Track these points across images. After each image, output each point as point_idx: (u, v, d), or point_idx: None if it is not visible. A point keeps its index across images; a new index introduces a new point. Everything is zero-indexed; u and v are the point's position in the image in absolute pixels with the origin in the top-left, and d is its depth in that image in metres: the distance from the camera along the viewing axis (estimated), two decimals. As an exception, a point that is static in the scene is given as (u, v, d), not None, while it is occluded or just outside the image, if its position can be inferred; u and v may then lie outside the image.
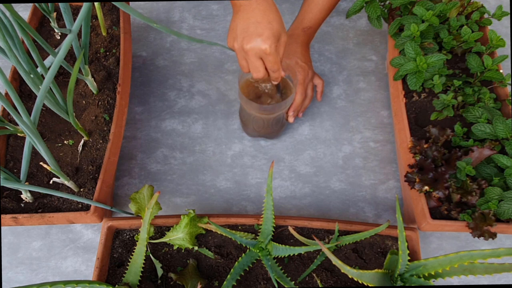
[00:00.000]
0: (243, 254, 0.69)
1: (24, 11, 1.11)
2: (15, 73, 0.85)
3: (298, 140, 0.95)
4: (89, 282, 0.60)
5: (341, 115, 0.98)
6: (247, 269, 0.69)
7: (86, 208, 0.72)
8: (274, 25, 0.68)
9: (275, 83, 0.78)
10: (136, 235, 0.73)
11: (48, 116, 0.83)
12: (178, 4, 1.13)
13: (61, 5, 0.67)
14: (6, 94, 0.79)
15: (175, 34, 0.65)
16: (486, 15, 0.89)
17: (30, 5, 0.95)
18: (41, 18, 0.95)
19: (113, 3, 0.60)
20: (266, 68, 0.73)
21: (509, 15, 0.86)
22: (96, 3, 0.86)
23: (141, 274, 0.65)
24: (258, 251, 0.68)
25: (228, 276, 0.65)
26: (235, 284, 0.66)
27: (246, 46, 0.68)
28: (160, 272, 0.70)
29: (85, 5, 0.55)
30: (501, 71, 0.82)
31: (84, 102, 0.84)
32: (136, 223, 0.73)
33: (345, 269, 0.57)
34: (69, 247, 0.83)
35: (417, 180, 0.70)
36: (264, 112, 0.82)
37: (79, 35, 0.73)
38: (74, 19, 0.94)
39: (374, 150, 0.94)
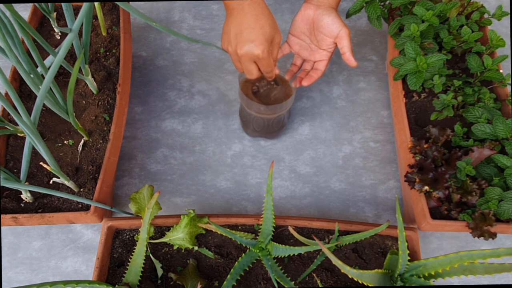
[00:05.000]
0: (243, 254, 0.69)
1: (24, 11, 1.10)
2: (15, 73, 0.85)
3: (298, 140, 0.95)
4: (89, 282, 0.60)
5: (341, 115, 0.98)
6: (247, 269, 0.69)
7: (86, 208, 0.72)
8: (267, 29, 0.69)
9: (270, 80, 0.80)
10: (136, 235, 0.73)
11: (48, 116, 0.83)
12: (178, 4, 1.13)
13: (63, 4, 0.67)
14: (6, 94, 0.79)
15: (174, 34, 0.65)
16: (486, 15, 0.89)
17: (30, 5, 0.95)
18: (41, 18, 0.95)
19: (116, 2, 0.60)
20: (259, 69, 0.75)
21: (509, 15, 0.86)
22: (96, 3, 0.86)
23: (141, 274, 0.65)
24: (258, 251, 0.68)
25: (228, 276, 0.65)
26: (235, 284, 0.66)
27: (240, 51, 0.70)
28: (160, 272, 0.70)
29: (85, 4, 0.55)
30: (501, 71, 0.82)
31: (84, 102, 0.84)
32: (136, 223, 0.73)
33: (345, 269, 0.57)
34: (69, 247, 0.83)
35: (417, 180, 0.70)
36: (264, 112, 0.82)
37: (80, 34, 0.73)
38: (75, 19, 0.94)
39: (374, 150, 0.94)
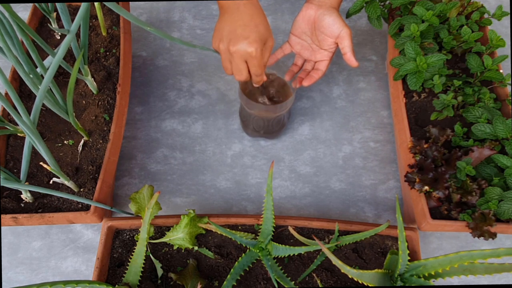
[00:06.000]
0: (243, 254, 0.69)
1: (24, 11, 1.11)
2: (15, 73, 0.85)
3: (298, 140, 0.95)
4: (89, 282, 0.60)
5: (341, 115, 0.98)
6: (247, 269, 0.69)
7: (86, 208, 0.72)
8: (261, 29, 0.69)
9: (256, 85, 0.78)
10: (136, 235, 0.73)
11: (48, 116, 0.83)
12: (178, 4, 1.13)
13: (58, 5, 0.67)
14: (6, 94, 0.79)
15: (168, 38, 0.65)
16: (486, 15, 0.89)
17: (30, 5, 0.95)
18: (41, 18, 0.95)
19: (105, 3, 0.60)
20: (249, 71, 0.73)
21: (509, 15, 0.86)
22: (96, 3, 0.86)
23: (141, 274, 0.65)
24: (258, 251, 0.68)
25: (228, 276, 0.65)
26: (235, 284, 0.66)
27: (232, 48, 0.69)
28: (160, 272, 0.70)
29: (83, 5, 0.55)
30: (501, 71, 0.82)
31: (84, 102, 0.84)
32: (136, 223, 0.73)
33: (345, 269, 0.57)
34: (69, 247, 0.83)
35: (417, 180, 0.70)
36: (265, 112, 0.82)
37: (78, 35, 0.73)
38: (73, 19, 0.94)
39: (374, 150, 0.93)
